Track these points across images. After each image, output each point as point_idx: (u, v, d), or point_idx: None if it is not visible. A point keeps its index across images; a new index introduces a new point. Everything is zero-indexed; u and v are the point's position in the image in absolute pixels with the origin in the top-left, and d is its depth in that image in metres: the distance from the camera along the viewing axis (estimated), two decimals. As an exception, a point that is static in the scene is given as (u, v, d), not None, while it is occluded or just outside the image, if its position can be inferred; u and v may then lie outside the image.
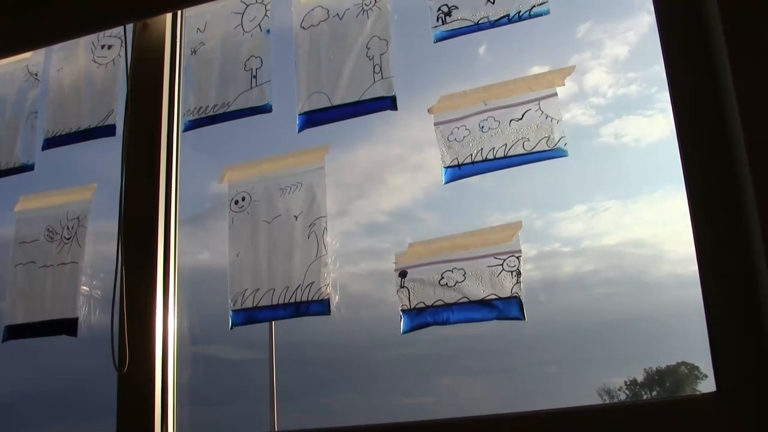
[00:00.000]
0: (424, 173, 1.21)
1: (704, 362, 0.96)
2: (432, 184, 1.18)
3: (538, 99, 1.16)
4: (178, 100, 1.42)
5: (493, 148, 1.15)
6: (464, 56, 1.29)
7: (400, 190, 1.45)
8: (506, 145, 1.15)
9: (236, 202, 1.31)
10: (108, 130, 1.45)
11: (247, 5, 1.41)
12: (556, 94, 1.15)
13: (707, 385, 0.96)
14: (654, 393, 1.46)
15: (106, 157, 1.45)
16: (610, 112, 1.39)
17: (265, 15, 1.38)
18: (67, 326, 1.38)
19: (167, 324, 1.31)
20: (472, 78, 1.21)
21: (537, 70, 1.18)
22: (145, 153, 1.38)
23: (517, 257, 1.10)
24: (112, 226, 1.35)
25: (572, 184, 1.26)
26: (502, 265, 1.11)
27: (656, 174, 1.22)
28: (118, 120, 1.44)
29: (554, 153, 1.12)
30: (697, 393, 1.04)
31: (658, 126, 1.10)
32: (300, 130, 1.29)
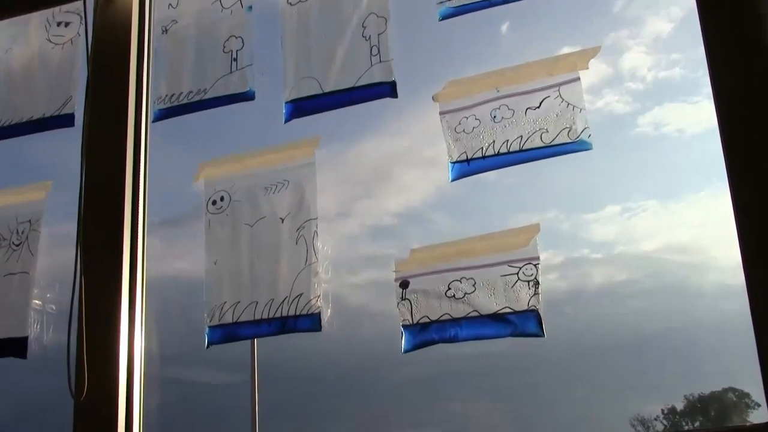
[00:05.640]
0: (436, 169, 1.18)
1: (755, 388, 0.89)
2: (445, 181, 1.13)
3: (558, 84, 1.11)
4: (147, 87, 1.37)
5: (507, 141, 1.11)
6: (484, 36, 1.26)
7: (409, 188, 1.38)
8: (522, 137, 1.11)
9: (214, 203, 1.26)
10: (65, 120, 1.40)
11: (227, -23, 1.37)
12: (578, 79, 1.10)
13: (759, 416, 0.91)
14: (696, 423, 1.42)
15: (63, 151, 1.40)
16: (650, 99, 1.33)
17: (247, -12, 1.35)
18: (15, 347, 1.31)
19: (133, 343, 1.25)
20: (493, 61, 1.15)
21: (567, 50, 1.13)
22: (109, 146, 1.32)
23: (535, 265, 1.05)
24: (69, 230, 1.29)
25: (604, 181, 1.20)
26: (517, 274, 1.05)
27: (702, 170, 1.16)
28: (77, 108, 1.39)
29: (577, 146, 1.07)
30: (748, 424, 1.00)
31: (704, 114, 1.05)
32: (287, 120, 1.25)
